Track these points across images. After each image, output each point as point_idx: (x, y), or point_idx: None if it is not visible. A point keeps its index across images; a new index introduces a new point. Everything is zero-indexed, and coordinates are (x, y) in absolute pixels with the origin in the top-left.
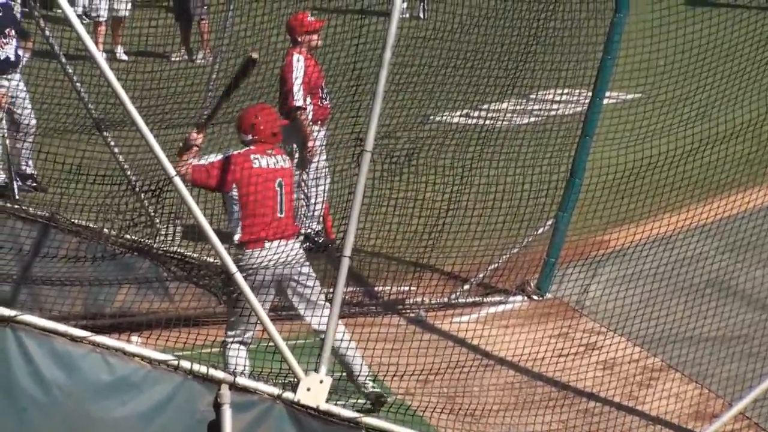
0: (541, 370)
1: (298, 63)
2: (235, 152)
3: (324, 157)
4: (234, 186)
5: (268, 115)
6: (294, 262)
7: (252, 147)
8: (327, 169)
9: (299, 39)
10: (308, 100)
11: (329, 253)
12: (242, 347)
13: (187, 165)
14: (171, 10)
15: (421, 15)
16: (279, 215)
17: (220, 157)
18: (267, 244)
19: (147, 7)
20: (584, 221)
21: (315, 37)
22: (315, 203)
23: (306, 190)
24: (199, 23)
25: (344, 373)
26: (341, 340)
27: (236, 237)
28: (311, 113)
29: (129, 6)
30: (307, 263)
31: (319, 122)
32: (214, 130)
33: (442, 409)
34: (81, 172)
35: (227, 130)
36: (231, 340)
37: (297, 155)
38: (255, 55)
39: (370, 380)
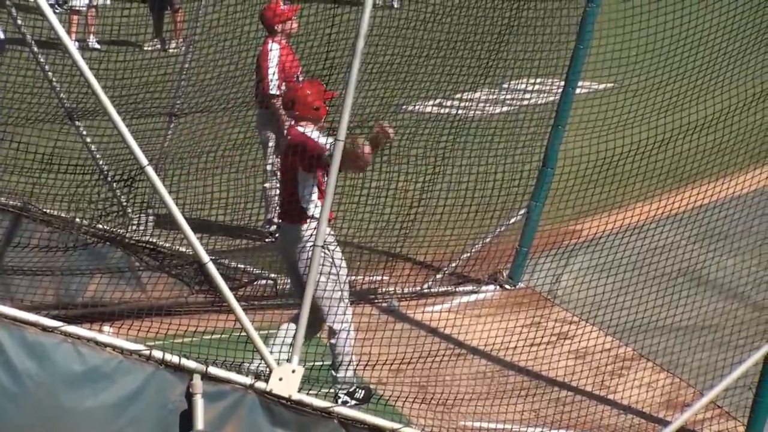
0: (513, 359)
1: (273, 51)
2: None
3: None
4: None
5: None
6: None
7: (313, 125)
8: None
9: (276, 28)
10: (283, 87)
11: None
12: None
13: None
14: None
15: (395, 4)
16: None
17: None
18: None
19: None
20: (556, 211)
21: (292, 24)
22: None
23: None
24: (173, 13)
25: (319, 363)
26: (346, 339)
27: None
28: None
29: None
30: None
31: None
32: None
33: (414, 398)
34: (53, 162)
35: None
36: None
37: (272, 143)
38: None
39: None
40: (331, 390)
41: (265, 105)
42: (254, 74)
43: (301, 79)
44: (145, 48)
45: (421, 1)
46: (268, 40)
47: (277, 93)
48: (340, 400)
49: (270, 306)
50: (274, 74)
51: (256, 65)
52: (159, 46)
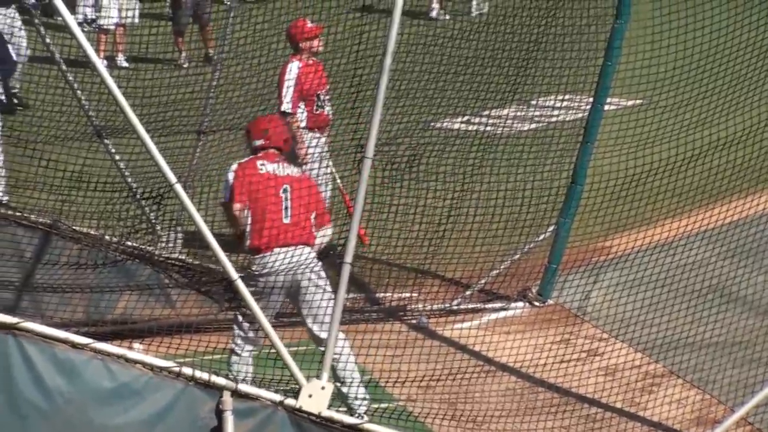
0: (543, 376)
1: (292, 69)
2: (237, 164)
3: (325, 164)
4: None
5: (278, 123)
6: (303, 268)
7: (260, 153)
8: (327, 176)
9: (300, 45)
10: (301, 106)
11: (330, 259)
12: (247, 355)
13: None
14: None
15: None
16: (284, 221)
17: (231, 172)
18: (276, 250)
19: (150, 17)
20: (585, 227)
21: (316, 42)
22: None
23: None
24: (201, 28)
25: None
26: (340, 354)
27: (246, 242)
28: (304, 120)
29: (133, 14)
30: (319, 270)
31: (317, 129)
32: (215, 138)
33: (443, 415)
34: (82, 180)
35: (228, 137)
36: (236, 348)
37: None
38: None
39: (362, 403)
40: (353, 408)
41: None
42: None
43: (324, 97)
44: (184, 65)
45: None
46: (292, 57)
47: (290, 111)
48: (355, 414)
49: (299, 323)
50: (288, 91)
51: (277, 82)
52: (186, 64)
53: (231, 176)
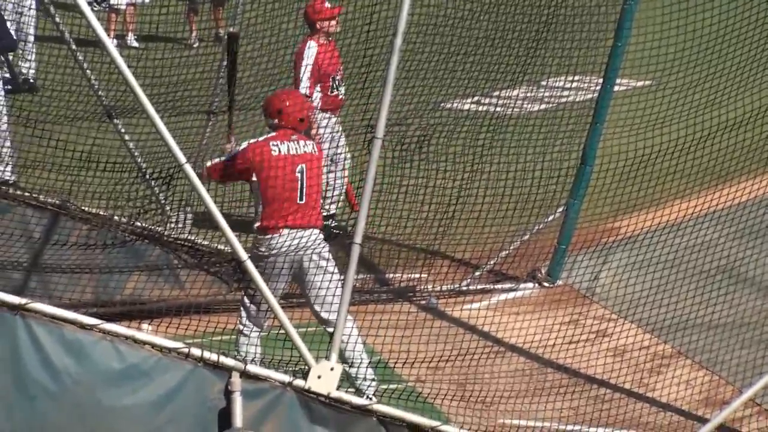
0: (552, 356)
1: (309, 50)
2: (254, 141)
3: (337, 143)
4: (253, 173)
5: (295, 100)
6: (311, 249)
7: (274, 133)
8: (342, 155)
9: (317, 26)
10: (317, 87)
11: (339, 240)
12: (255, 336)
13: (206, 166)
14: None
15: None
16: (299, 202)
17: (240, 148)
18: (284, 231)
19: None
20: (595, 208)
21: (333, 23)
22: (326, 189)
23: None
24: (214, 8)
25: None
26: (348, 335)
27: (256, 223)
28: (319, 101)
29: None
30: (327, 252)
31: (329, 111)
32: (239, 118)
33: (453, 396)
34: (92, 160)
35: (251, 116)
36: (244, 329)
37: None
38: (233, 30)
39: (370, 384)
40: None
41: None
42: (291, 72)
43: (338, 79)
44: (194, 45)
45: None
46: (307, 38)
47: (307, 92)
48: (364, 396)
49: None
50: (306, 72)
51: (294, 63)
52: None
53: (242, 150)
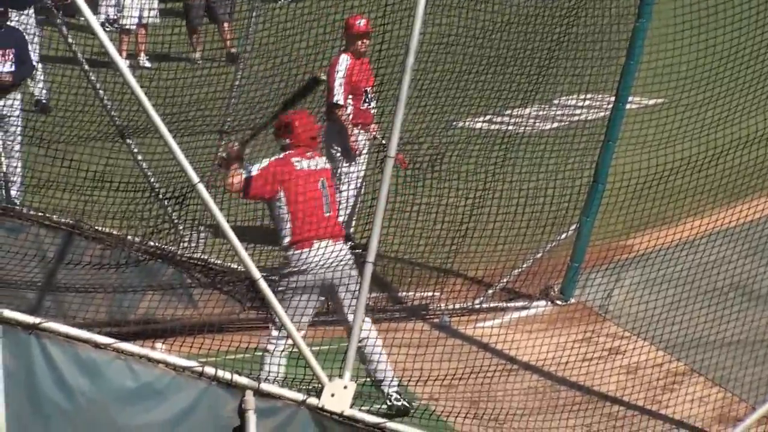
0: (565, 374)
1: (342, 63)
2: (274, 159)
3: (360, 160)
4: (280, 190)
5: (306, 120)
6: (343, 264)
7: (291, 151)
8: (353, 174)
9: (351, 42)
10: (349, 100)
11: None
12: (279, 353)
13: (233, 179)
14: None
15: None
16: (326, 214)
17: (260, 166)
18: (316, 244)
19: (170, 14)
20: (607, 226)
21: (362, 42)
22: (345, 207)
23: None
24: (219, 25)
25: (368, 379)
26: (373, 345)
27: (285, 239)
28: (351, 114)
29: (155, 13)
30: (354, 266)
31: (360, 125)
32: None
33: (466, 413)
34: (105, 180)
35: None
36: (270, 346)
37: (339, 156)
38: (322, 76)
39: (395, 391)
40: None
41: (330, 114)
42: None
43: (371, 95)
44: (197, 62)
45: (471, 17)
46: (341, 52)
47: (341, 104)
48: (391, 399)
49: (321, 322)
50: (340, 86)
51: (327, 75)
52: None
53: (265, 169)
